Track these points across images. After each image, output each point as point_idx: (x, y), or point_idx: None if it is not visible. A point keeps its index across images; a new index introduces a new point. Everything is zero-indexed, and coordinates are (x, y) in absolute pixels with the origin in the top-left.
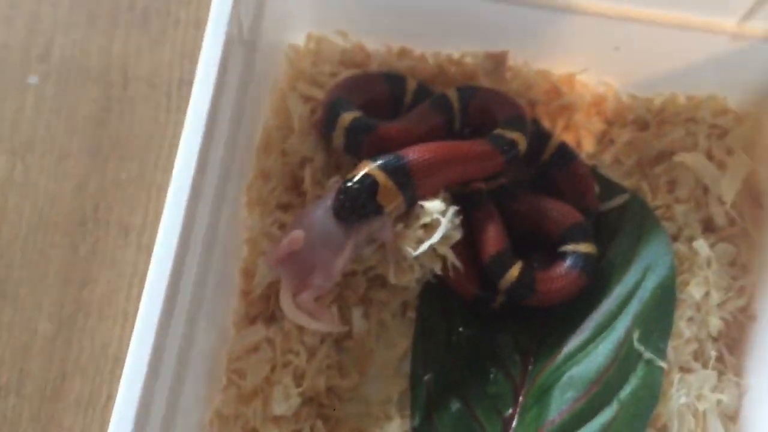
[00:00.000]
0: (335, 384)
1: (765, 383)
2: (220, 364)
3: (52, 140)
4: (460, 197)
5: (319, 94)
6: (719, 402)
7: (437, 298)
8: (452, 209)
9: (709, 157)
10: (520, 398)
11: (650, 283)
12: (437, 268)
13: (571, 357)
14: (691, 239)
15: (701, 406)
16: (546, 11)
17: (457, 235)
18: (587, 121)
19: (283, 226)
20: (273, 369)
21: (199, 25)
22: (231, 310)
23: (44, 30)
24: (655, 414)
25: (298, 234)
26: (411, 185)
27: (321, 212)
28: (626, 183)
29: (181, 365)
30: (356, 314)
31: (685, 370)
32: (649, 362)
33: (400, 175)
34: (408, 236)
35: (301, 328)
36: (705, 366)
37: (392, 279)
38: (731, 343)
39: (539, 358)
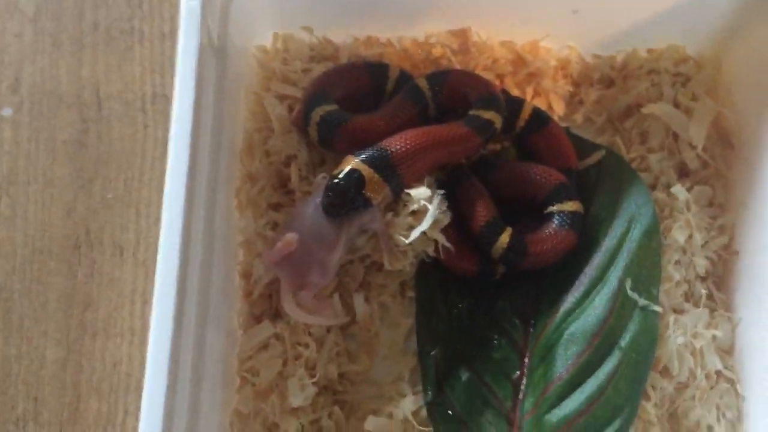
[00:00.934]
0: (346, 370)
1: (754, 315)
2: (232, 366)
3: (35, 169)
4: (444, 176)
5: (294, 92)
6: (714, 338)
7: (433, 275)
8: (438, 196)
9: (676, 105)
10: (526, 360)
11: (636, 233)
12: (430, 251)
13: (570, 314)
14: (668, 186)
15: (698, 344)
16: None
17: (446, 219)
18: (555, 86)
19: (275, 226)
20: (285, 363)
21: (165, 37)
22: (236, 312)
23: (11, 61)
24: (656, 357)
25: (291, 237)
26: (396, 175)
27: (311, 211)
28: (600, 140)
29: (197, 372)
30: (358, 300)
31: (678, 311)
32: (644, 309)
33: (385, 166)
34: (398, 224)
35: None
36: (696, 305)
37: (387, 265)
38: (719, 281)
39: (539, 319)
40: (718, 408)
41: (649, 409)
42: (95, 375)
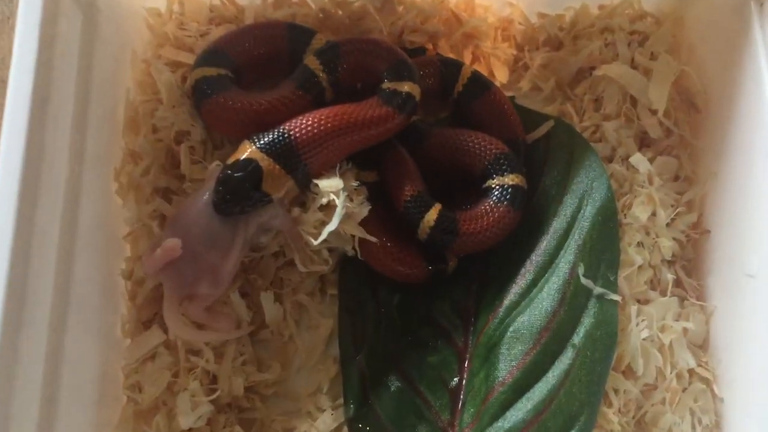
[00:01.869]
0: (255, 382)
1: (732, 302)
2: (115, 381)
3: None
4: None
5: (189, 59)
6: (685, 331)
7: (359, 269)
8: (343, 192)
9: (633, 66)
10: (466, 363)
11: (589, 211)
12: (348, 250)
13: (514, 307)
14: (627, 158)
15: (666, 338)
16: None
17: (364, 211)
18: (496, 49)
19: (164, 219)
20: (176, 376)
21: None
22: (119, 318)
23: None
24: (617, 355)
25: (172, 243)
26: (300, 164)
27: (202, 207)
28: (549, 110)
29: (49, 390)
30: (267, 300)
31: (642, 301)
32: (600, 298)
33: (286, 155)
34: (307, 221)
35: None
36: (663, 294)
37: (300, 267)
38: (688, 265)
39: (480, 315)
40: (692, 413)
41: (611, 416)
42: None
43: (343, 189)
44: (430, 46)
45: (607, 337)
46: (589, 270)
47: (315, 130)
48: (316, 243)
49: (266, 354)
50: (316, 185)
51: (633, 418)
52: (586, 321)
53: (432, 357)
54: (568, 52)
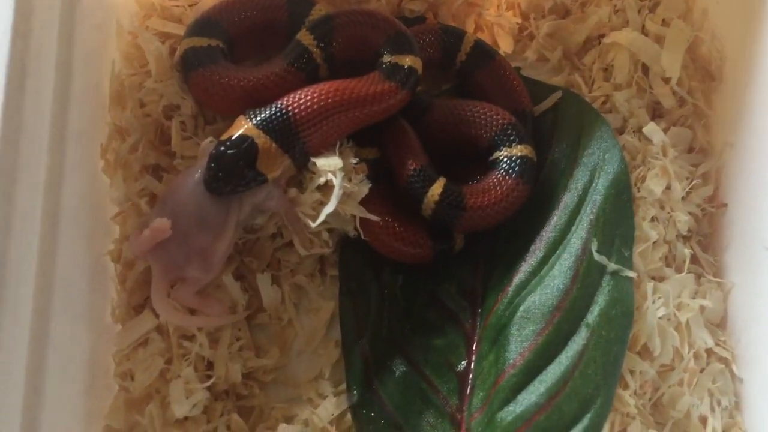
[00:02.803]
0: (253, 368)
1: (750, 279)
2: (106, 369)
3: None
4: None
5: (178, 29)
6: (702, 309)
7: (360, 249)
8: (341, 171)
9: (644, 33)
10: (474, 346)
11: (601, 184)
12: (350, 231)
13: (524, 286)
14: (639, 128)
15: (683, 317)
16: None
17: (365, 190)
18: (500, 17)
19: (154, 198)
20: (169, 362)
21: None
22: (108, 303)
23: None
24: (632, 334)
25: (161, 222)
26: (298, 142)
27: (193, 186)
28: (556, 80)
29: (35, 379)
30: (264, 282)
31: (657, 278)
32: (614, 275)
33: (284, 132)
34: (305, 201)
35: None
36: (679, 270)
37: (300, 250)
38: (704, 240)
39: (487, 294)
40: (711, 394)
41: (627, 398)
42: None
43: (341, 168)
44: (430, 15)
45: (623, 315)
46: (603, 246)
47: (314, 107)
48: (314, 225)
49: (264, 339)
50: (314, 164)
51: (649, 400)
52: (600, 299)
53: (438, 340)
54: (576, 19)
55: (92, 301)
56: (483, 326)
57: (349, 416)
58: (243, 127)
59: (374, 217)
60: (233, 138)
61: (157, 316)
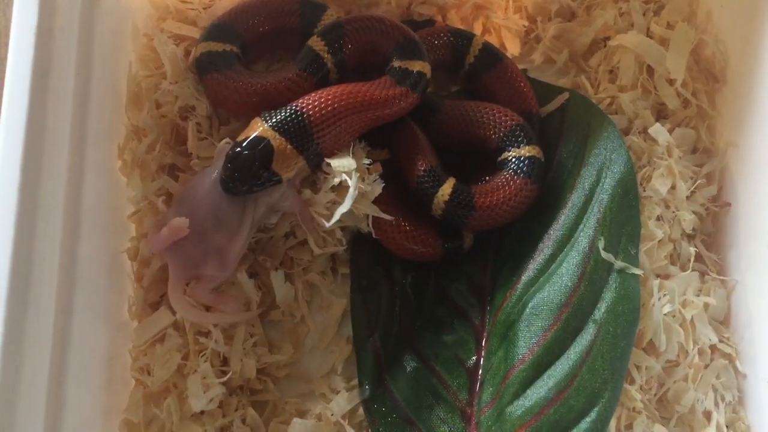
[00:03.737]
0: (267, 363)
1: (753, 277)
2: (123, 365)
3: None
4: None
5: (193, 32)
6: (706, 306)
7: (371, 247)
8: (356, 172)
9: (648, 36)
10: (483, 342)
11: (608, 183)
12: (363, 228)
13: (533, 283)
14: (644, 129)
15: (688, 314)
16: None
17: (378, 189)
18: (507, 20)
19: (170, 197)
20: (186, 357)
21: None
22: (126, 300)
23: None
24: (639, 331)
25: (179, 222)
26: (313, 144)
27: (209, 186)
28: (562, 82)
29: (58, 374)
30: (277, 280)
31: (662, 276)
32: (621, 272)
33: (299, 134)
34: (319, 202)
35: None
36: (683, 268)
37: (314, 248)
38: (708, 239)
39: (496, 291)
40: (715, 389)
41: (634, 393)
42: None
43: (356, 169)
44: (439, 18)
45: (630, 312)
46: (610, 244)
47: (329, 109)
48: (328, 225)
49: (278, 335)
50: (329, 165)
51: (655, 395)
52: (608, 296)
53: (448, 336)
54: (582, 22)
55: (109, 298)
56: (492, 323)
57: (361, 411)
58: (259, 129)
59: (387, 216)
60: (249, 139)
61: (173, 312)
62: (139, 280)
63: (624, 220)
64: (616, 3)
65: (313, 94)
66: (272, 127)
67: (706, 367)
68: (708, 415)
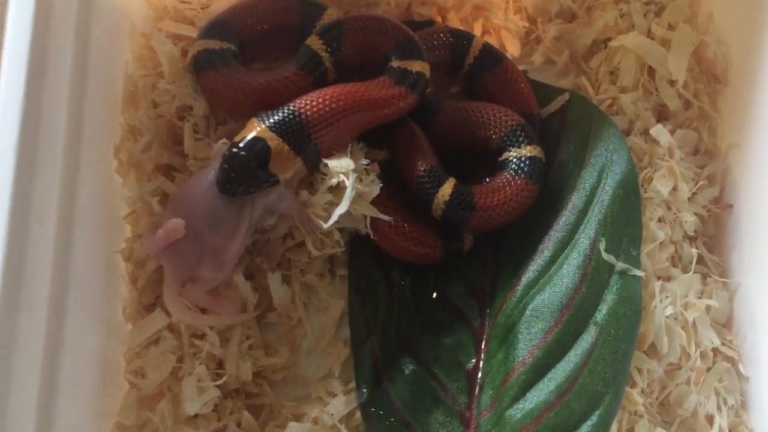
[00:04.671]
0: (263, 366)
1: (755, 279)
2: (116, 367)
3: None
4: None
5: (190, 32)
6: (708, 308)
7: (369, 248)
8: (353, 172)
9: (650, 37)
10: (483, 345)
11: (609, 184)
12: (362, 229)
13: (533, 285)
14: (646, 130)
15: (690, 316)
16: None
17: (376, 189)
18: (507, 21)
19: (166, 197)
20: (181, 360)
21: None
22: (120, 302)
23: None
24: (640, 334)
25: (175, 223)
26: (310, 144)
27: (206, 187)
28: (563, 83)
29: (49, 377)
30: (274, 281)
31: (664, 278)
32: (622, 274)
33: (297, 135)
34: (316, 203)
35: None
36: (685, 270)
37: (312, 250)
38: (710, 241)
39: (496, 293)
40: (717, 393)
41: (635, 397)
42: None
43: (353, 169)
44: (438, 19)
45: (631, 314)
46: (611, 245)
47: (326, 110)
48: (326, 226)
49: (274, 338)
50: (326, 165)
51: (656, 399)
52: (609, 298)
53: (447, 339)
54: (582, 23)
55: (104, 299)
56: (492, 325)
57: (358, 414)
58: (256, 129)
59: (385, 217)
60: (246, 140)
61: (168, 314)
62: (134, 282)
63: (625, 221)
64: (616, 4)
65: (310, 94)
66: (269, 127)
67: (709, 370)
68: (710, 419)
